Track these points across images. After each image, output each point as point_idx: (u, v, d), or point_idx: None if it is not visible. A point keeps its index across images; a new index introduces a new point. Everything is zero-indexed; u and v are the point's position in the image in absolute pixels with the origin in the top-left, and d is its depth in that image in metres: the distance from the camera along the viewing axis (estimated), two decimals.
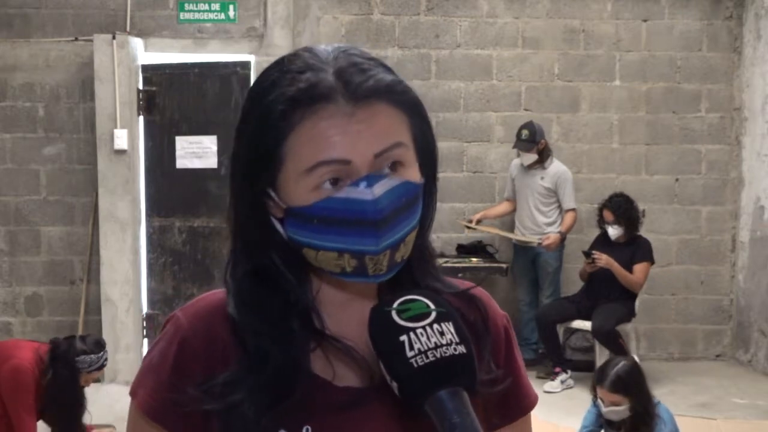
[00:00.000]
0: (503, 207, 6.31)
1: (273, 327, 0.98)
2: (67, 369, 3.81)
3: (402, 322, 0.90)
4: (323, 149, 0.92)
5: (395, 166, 0.95)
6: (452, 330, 0.90)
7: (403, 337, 0.88)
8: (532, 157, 5.99)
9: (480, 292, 1.12)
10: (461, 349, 0.89)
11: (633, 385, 3.57)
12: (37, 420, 3.88)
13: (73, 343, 3.90)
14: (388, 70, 0.98)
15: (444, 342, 0.88)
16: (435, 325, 0.90)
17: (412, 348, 0.88)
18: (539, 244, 6.00)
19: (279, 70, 0.97)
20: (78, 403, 3.87)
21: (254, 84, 1.00)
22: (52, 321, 6.50)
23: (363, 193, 0.92)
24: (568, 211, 6.06)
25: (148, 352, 1.05)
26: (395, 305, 0.92)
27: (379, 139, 0.94)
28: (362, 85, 0.93)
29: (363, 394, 0.99)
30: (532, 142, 5.93)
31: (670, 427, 3.50)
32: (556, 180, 6.02)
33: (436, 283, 1.06)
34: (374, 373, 0.99)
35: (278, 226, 0.98)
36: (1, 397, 3.78)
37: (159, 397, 1.00)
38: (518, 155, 6.12)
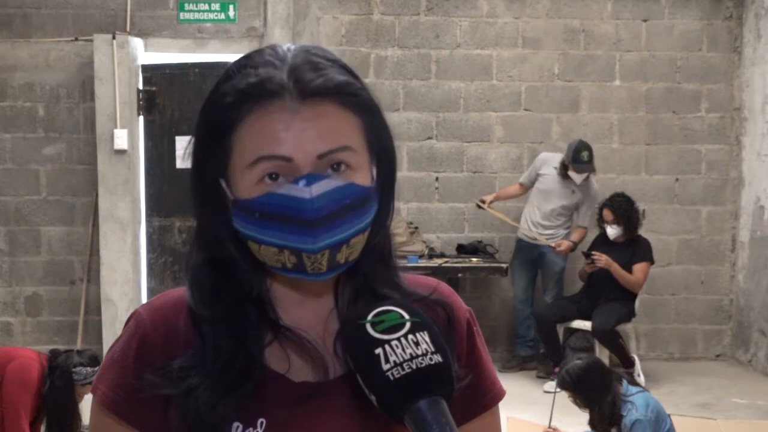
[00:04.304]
0: (515, 189, 6.22)
1: (229, 317, 0.99)
2: (63, 379, 3.83)
3: (376, 335, 0.90)
4: (266, 144, 0.93)
5: (340, 167, 0.94)
6: (427, 339, 0.90)
7: (379, 350, 0.88)
8: (584, 174, 5.92)
9: (442, 290, 1.11)
10: (437, 358, 0.89)
11: (578, 384, 3.68)
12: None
13: (71, 356, 3.93)
14: (346, 71, 0.98)
15: (419, 352, 0.88)
16: (410, 336, 0.89)
17: (387, 360, 0.88)
18: (552, 248, 6.00)
19: (238, 64, 0.98)
20: (73, 414, 3.88)
21: (223, 72, 1.01)
22: (52, 321, 6.51)
23: (301, 191, 0.92)
24: (582, 227, 6.09)
25: (110, 349, 1.05)
26: (369, 317, 0.91)
27: (325, 140, 0.93)
28: (311, 83, 0.93)
29: (318, 388, 0.99)
30: (592, 163, 5.87)
31: (641, 411, 3.54)
32: (585, 199, 6.01)
33: (393, 290, 1.04)
34: (329, 367, 1.00)
35: (228, 226, 0.99)
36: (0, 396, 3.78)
37: (120, 392, 1.00)
38: (566, 172, 5.89)
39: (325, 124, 0.94)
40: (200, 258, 1.02)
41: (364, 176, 0.97)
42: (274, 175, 0.93)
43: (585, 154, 5.83)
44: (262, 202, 0.93)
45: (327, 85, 0.94)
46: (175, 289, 1.07)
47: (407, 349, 0.88)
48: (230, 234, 0.99)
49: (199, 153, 0.99)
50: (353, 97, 0.96)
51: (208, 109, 0.98)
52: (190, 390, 0.96)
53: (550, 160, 6.04)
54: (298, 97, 0.93)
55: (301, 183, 0.92)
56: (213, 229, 1.00)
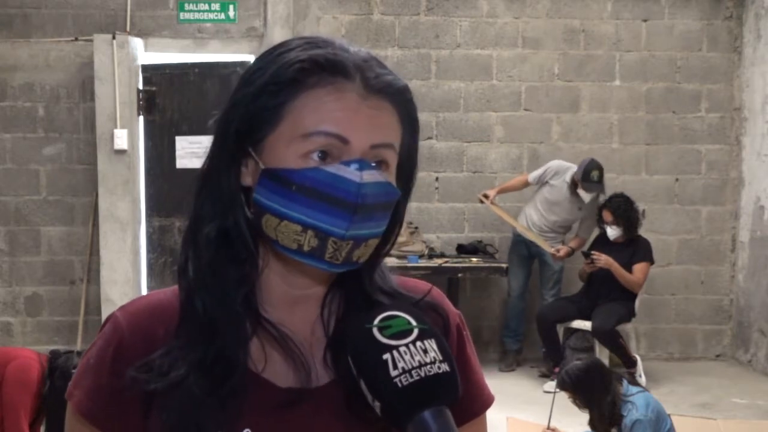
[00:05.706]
0: (520, 182, 6.18)
1: (227, 299, 0.95)
2: (63, 380, 3.82)
3: (384, 340, 0.87)
4: (328, 120, 0.91)
5: (380, 165, 0.94)
6: (435, 347, 0.88)
7: (386, 356, 0.86)
8: (593, 194, 5.91)
9: (434, 294, 1.09)
10: (445, 367, 0.87)
11: (578, 384, 3.69)
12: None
13: (71, 356, 3.93)
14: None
15: (428, 360, 0.86)
16: (418, 343, 0.87)
17: (396, 367, 0.85)
18: (553, 256, 6.01)
19: (303, 40, 0.97)
20: None
21: (274, 46, 0.98)
22: (52, 321, 6.51)
23: (352, 174, 0.90)
24: (582, 237, 6.10)
25: (86, 353, 1.02)
26: (376, 322, 0.89)
27: (380, 132, 0.93)
28: (381, 77, 0.94)
29: (304, 394, 0.96)
30: (602, 183, 5.85)
31: (642, 411, 3.55)
32: (590, 215, 6.00)
33: (388, 295, 1.02)
34: (311, 371, 0.97)
35: (242, 198, 0.96)
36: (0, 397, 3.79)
37: (96, 398, 0.97)
38: (576, 189, 5.91)
39: (384, 118, 0.94)
40: (208, 229, 0.96)
41: (393, 180, 0.97)
42: (321, 154, 0.91)
43: (595, 174, 5.80)
44: (308, 176, 0.90)
45: (394, 84, 0.95)
46: (155, 292, 1.04)
47: (416, 356, 0.86)
48: (239, 211, 0.96)
49: (241, 116, 0.95)
50: (407, 105, 0.97)
51: (268, 72, 0.94)
52: (176, 382, 0.93)
53: (563, 172, 5.98)
54: (367, 86, 0.93)
55: (353, 166, 0.91)
56: (229, 198, 0.96)
